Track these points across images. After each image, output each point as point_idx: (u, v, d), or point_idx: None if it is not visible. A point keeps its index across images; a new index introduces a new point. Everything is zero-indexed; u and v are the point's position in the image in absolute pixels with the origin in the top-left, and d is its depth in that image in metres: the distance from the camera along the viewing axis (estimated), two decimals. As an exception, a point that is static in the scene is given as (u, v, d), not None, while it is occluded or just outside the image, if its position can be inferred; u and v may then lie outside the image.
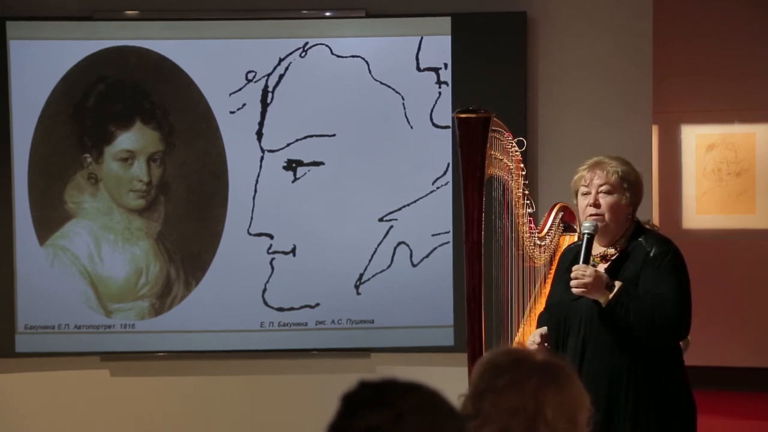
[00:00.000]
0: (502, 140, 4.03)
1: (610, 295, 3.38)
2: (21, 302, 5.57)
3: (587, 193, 3.53)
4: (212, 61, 5.58)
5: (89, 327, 5.58)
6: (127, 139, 5.59)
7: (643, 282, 3.42)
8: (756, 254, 7.90)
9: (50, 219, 5.58)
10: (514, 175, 4.01)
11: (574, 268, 3.43)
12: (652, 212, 6.00)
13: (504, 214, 4.04)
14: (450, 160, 5.50)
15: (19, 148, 5.56)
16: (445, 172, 5.56)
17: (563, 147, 5.57)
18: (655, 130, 7.64)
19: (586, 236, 3.48)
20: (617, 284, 3.39)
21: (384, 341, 5.61)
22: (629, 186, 3.52)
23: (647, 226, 4.46)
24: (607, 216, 3.50)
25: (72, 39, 5.56)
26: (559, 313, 3.54)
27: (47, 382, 5.71)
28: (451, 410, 1.64)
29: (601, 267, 3.51)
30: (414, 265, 5.59)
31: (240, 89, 5.58)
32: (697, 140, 8.06)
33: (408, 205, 5.59)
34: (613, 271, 3.47)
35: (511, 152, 4.02)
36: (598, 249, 3.55)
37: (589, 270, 3.39)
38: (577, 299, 3.46)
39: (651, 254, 3.44)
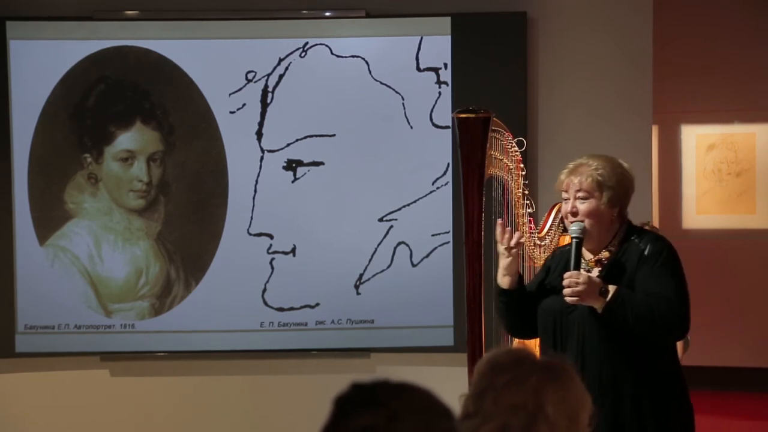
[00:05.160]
0: (502, 140, 4.04)
1: (606, 300, 3.30)
2: (21, 302, 5.57)
3: (567, 199, 3.46)
4: (212, 61, 5.58)
5: (89, 327, 5.58)
6: (127, 139, 5.59)
7: (640, 281, 3.35)
8: (756, 254, 7.91)
9: (50, 219, 5.58)
10: (514, 175, 4.02)
11: (566, 275, 3.33)
12: (652, 212, 6.00)
13: (504, 214, 4.04)
14: (450, 160, 5.50)
15: (19, 148, 5.56)
16: (445, 172, 5.56)
17: (563, 147, 5.57)
18: (655, 130, 7.64)
19: (574, 241, 3.40)
20: (611, 288, 3.31)
21: (384, 341, 5.61)
22: (608, 189, 3.42)
23: (647, 227, 4.47)
24: (586, 222, 3.41)
25: (72, 39, 5.56)
26: (555, 322, 3.46)
27: (47, 382, 5.71)
28: (445, 409, 1.65)
29: (596, 271, 3.44)
30: (414, 265, 5.59)
31: (240, 89, 5.58)
32: (697, 140, 8.06)
33: (408, 205, 5.59)
34: (608, 274, 3.40)
35: (511, 152, 4.03)
36: (588, 254, 3.47)
37: (582, 277, 3.30)
38: (573, 307, 3.38)
39: (646, 252, 3.38)
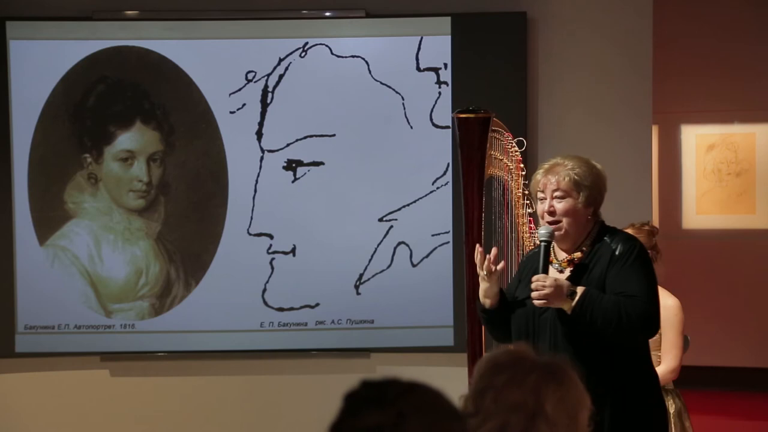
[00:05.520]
0: (502, 140, 4.04)
1: (573, 302, 3.30)
2: (21, 302, 5.57)
3: (543, 199, 3.45)
4: (212, 61, 5.58)
5: (89, 327, 5.58)
6: (127, 140, 5.59)
7: (610, 281, 3.36)
8: (756, 254, 7.91)
9: (50, 219, 5.58)
10: (514, 175, 4.02)
11: (534, 278, 3.35)
12: (651, 212, 6.00)
13: (504, 214, 4.04)
14: (450, 160, 5.50)
15: (19, 148, 5.56)
16: (445, 172, 5.56)
17: (563, 147, 5.56)
18: (655, 130, 7.64)
19: (543, 244, 3.40)
20: (579, 290, 3.31)
21: (384, 341, 5.61)
22: (584, 188, 3.42)
23: (646, 227, 4.46)
24: (564, 221, 3.42)
25: (72, 39, 5.56)
26: (527, 323, 3.46)
27: (47, 382, 5.71)
28: (453, 410, 1.65)
29: (568, 271, 3.44)
30: (414, 265, 5.59)
31: (240, 89, 5.58)
32: (697, 140, 8.07)
33: (408, 205, 5.59)
34: (580, 274, 3.40)
35: (511, 152, 4.03)
36: (562, 254, 3.47)
37: (549, 280, 3.32)
38: (544, 308, 3.38)
39: (616, 252, 3.37)
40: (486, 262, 3.48)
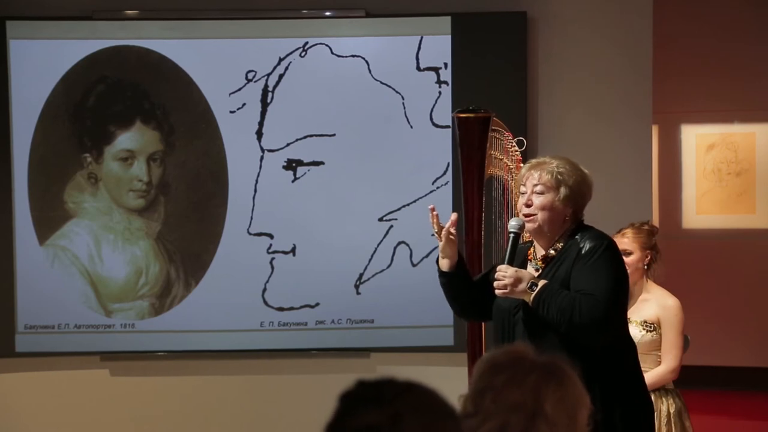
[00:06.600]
0: (502, 140, 4.05)
1: (532, 295, 3.32)
2: (21, 302, 5.57)
3: (524, 193, 3.47)
4: (212, 61, 5.58)
5: (89, 327, 5.58)
6: (127, 139, 5.59)
7: (573, 279, 3.36)
8: (756, 254, 7.91)
9: (50, 219, 5.58)
10: (514, 175, 4.03)
11: (497, 268, 3.39)
12: (651, 212, 6.00)
13: (504, 214, 4.05)
14: (450, 160, 5.50)
15: (19, 148, 5.56)
16: (445, 172, 5.56)
17: (563, 147, 5.56)
18: (655, 130, 7.64)
19: (511, 235, 3.45)
20: (541, 283, 3.33)
21: (384, 341, 5.61)
22: (565, 187, 3.42)
23: (645, 227, 4.46)
24: (539, 216, 3.42)
25: (72, 39, 5.56)
26: (503, 320, 3.48)
27: (47, 382, 5.71)
28: (449, 410, 1.65)
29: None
30: (414, 265, 5.59)
31: (240, 89, 5.58)
32: (697, 140, 8.07)
33: (408, 205, 5.59)
34: (548, 271, 3.41)
35: (511, 152, 4.04)
36: (540, 251, 3.48)
37: (510, 270, 3.35)
38: (519, 306, 3.41)
39: (583, 251, 3.37)
40: (435, 220, 3.56)
